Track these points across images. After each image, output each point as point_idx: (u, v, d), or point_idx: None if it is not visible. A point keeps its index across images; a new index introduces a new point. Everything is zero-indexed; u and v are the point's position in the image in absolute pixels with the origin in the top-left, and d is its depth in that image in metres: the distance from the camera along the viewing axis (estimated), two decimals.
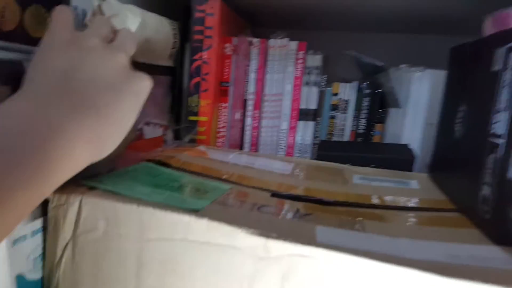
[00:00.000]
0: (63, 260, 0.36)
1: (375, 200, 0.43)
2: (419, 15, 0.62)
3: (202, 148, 0.59)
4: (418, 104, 0.60)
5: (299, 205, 0.40)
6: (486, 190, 0.36)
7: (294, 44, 0.62)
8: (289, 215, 0.37)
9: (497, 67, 0.37)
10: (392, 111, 0.64)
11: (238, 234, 0.31)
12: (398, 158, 0.54)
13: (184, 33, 0.63)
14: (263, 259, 0.30)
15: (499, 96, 0.35)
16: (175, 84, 0.65)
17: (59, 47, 0.33)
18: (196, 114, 0.64)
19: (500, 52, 0.36)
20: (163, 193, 0.37)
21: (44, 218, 0.36)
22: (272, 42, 0.63)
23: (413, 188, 0.48)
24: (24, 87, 0.30)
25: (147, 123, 0.58)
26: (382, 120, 0.66)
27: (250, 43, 0.64)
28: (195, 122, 0.65)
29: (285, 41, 0.62)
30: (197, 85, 0.64)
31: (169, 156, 0.51)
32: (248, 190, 0.44)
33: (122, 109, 0.33)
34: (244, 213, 0.35)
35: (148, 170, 0.45)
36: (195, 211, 0.33)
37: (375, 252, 0.29)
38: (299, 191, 0.44)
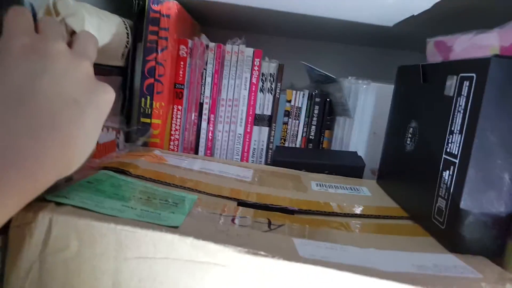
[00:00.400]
0: (28, 281, 0.33)
1: (335, 208, 0.45)
2: (367, 30, 0.66)
3: (158, 152, 0.57)
4: (364, 114, 0.64)
5: (269, 215, 0.41)
6: (441, 203, 0.40)
7: (250, 51, 0.62)
8: (264, 227, 0.37)
9: (450, 92, 0.40)
10: (340, 119, 0.67)
11: (225, 252, 0.31)
12: (349, 165, 0.57)
13: (137, 32, 0.60)
14: (252, 276, 0.30)
15: (454, 120, 0.39)
16: (126, 85, 0.62)
17: (17, 54, 0.29)
18: (149, 116, 0.62)
19: (453, 79, 0.40)
20: (135, 208, 0.36)
21: (3, 237, 0.33)
22: (228, 47, 0.62)
23: (365, 195, 0.52)
24: None
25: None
26: (330, 127, 0.69)
27: (206, 47, 0.63)
28: (148, 124, 0.62)
29: (241, 47, 0.62)
30: (151, 86, 0.61)
31: (126, 163, 0.48)
32: (215, 200, 0.44)
33: (87, 125, 0.32)
34: (222, 227, 0.35)
35: (110, 180, 0.42)
36: (175, 228, 0.33)
37: (354, 266, 0.31)
38: (264, 199, 0.45)
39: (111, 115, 0.60)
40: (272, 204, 0.44)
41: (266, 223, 0.39)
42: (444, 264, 0.34)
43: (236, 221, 0.38)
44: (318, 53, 0.85)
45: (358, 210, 0.46)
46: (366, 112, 0.64)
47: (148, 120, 0.62)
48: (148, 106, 0.62)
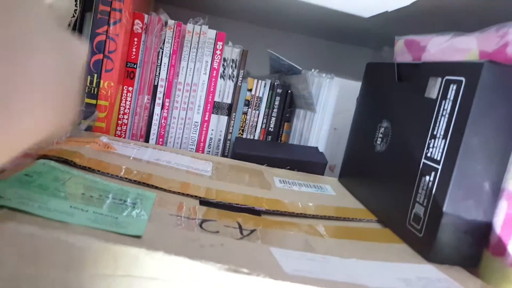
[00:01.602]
0: None
1: (302, 209, 0.41)
2: (335, 25, 0.62)
3: (105, 139, 0.49)
4: (325, 109, 0.60)
5: (237, 216, 0.36)
6: (418, 209, 0.37)
7: (212, 33, 0.55)
8: (237, 234, 0.32)
9: (432, 94, 0.37)
10: (300, 112, 0.63)
11: (203, 269, 0.25)
12: (312, 162, 0.53)
13: (87, 1, 0.51)
14: None
15: (437, 124, 0.36)
16: None
17: None
18: (95, 96, 0.53)
19: (437, 81, 0.37)
20: (86, 210, 0.29)
21: None
22: (189, 27, 0.55)
23: (330, 194, 0.48)
24: None
25: None
26: (289, 120, 0.64)
27: (165, 24, 0.55)
28: (93, 105, 0.53)
29: (204, 28, 0.55)
30: (99, 63, 0.52)
31: (69, 151, 0.40)
32: (174, 198, 0.37)
33: None
34: (191, 235, 0.29)
35: (52, 173, 0.34)
36: (138, 238, 0.26)
37: (343, 283, 0.27)
38: (227, 197, 0.40)
39: None
40: (238, 204, 0.39)
41: (237, 228, 0.33)
42: (428, 276, 0.31)
43: (205, 226, 0.32)
44: (282, 43, 0.80)
45: (325, 212, 0.42)
46: (327, 107, 0.60)
47: (93, 101, 0.53)
48: (94, 85, 0.53)
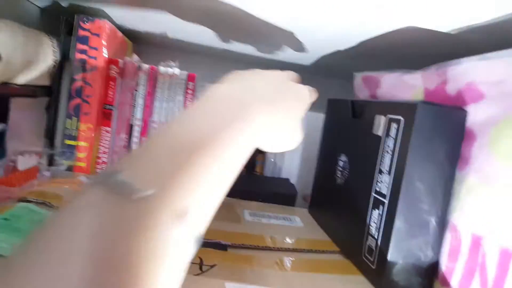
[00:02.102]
0: None
1: (269, 242, 0.43)
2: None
3: (84, 179, 0.51)
4: None
5: (202, 252, 0.38)
6: (371, 241, 0.38)
7: (184, 74, 0.58)
8: (196, 269, 0.34)
9: (378, 131, 0.40)
10: None
11: None
12: (282, 193, 0.55)
13: (64, 50, 0.54)
14: None
15: (382, 159, 0.38)
16: (51, 105, 0.55)
17: None
18: (74, 138, 0.56)
19: (381, 119, 0.39)
20: None
21: None
22: (162, 69, 0.58)
23: (298, 225, 0.50)
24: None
25: (22, 153, 0.48)
26: (262, 151, 0.66)
27: (139, 68, 0.58)
28: (73, 147, 0.56)
29: (175, 70, 0.58)
30: (77, 107, 0.55)
31: (47, 193, 0.42)
32: None
33: None
34: None
35: (29, 216, 0.36)
36: None
37: None
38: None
39: (33, 138, 0.53)
40: (206, 239, 0.41)
41: (197, 264, 0.35)
42: None
43: None
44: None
45: (290, 245, 0.44)
46: None
47: (73, 143, 0.56)
48: (74, 127, 0.55)
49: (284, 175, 0.63)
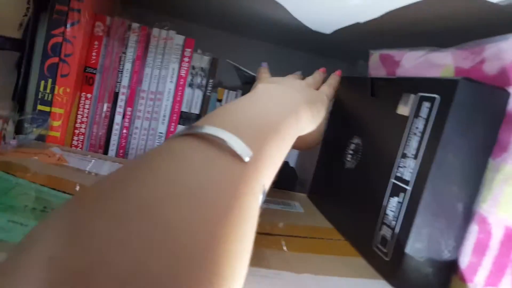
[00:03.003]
0: None
1: (267, 228, 0.38)
2: (308, 37, 0.60)
3: (56, 150, 0.45)
4: None
5: None
6: (385, 231, 0.34)
7: (180, 39, 0.52)
8: None
9: (404, 111, 0.35)
10: None
11: None
12: (282, 177, 0.51)
13: None
14: None
15: (408, 142, 0.34)
16: (21, 63, 0.47)
17: None
18: (48, 103, 0.49)
19: (410, 98, 0.35)
20: (26, 225, 0.25)
21: None
22: (155, 31, 0.51)
23: (298, 211, 0.45)
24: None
25: None
26: None
27: (129, 28, 0.51)
28: (47, 113, 0.49)
29: (171, 33, 0.51)
30: (54, 67, 0.48)
31: (12, 164, 0.36)
32: None
33: None
34: None
35: None
36: None
37: None
38: None
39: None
40: None
41: None
42: None
43: None
44: (256, 53, 0.77)
45: (291, 231, 0.39)
46: None
47: (47, 109, 0.49)
48: (48, 91, 0.48)
49: None
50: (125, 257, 0.13)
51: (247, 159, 0.21)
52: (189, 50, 0.52)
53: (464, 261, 0.33)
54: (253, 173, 0.22)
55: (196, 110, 0.55)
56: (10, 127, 0.47)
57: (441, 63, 0.39)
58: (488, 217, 0.32)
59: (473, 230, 0.33)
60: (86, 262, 0.13)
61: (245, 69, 0.55)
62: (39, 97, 0.48)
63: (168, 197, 0.16)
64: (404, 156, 0.34)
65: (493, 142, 0.32)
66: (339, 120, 0.48)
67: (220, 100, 0.57)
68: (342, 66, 0.79)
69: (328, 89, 0.45)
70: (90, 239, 0.14)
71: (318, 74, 0.47)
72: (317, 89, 0.45)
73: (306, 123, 0.35)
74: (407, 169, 0.33)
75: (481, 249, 0.32)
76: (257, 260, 0.31)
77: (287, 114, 0.30)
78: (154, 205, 0.16)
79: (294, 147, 0.34)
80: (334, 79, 0.48)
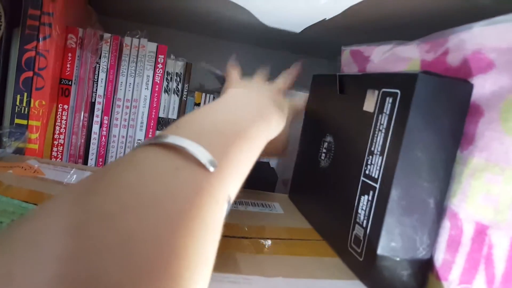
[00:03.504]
0: None
1: (245, 232, 0.38)
2: (276, 34, 0.59)
3: (33, 162, 0.44)
4: None
5: None
6: (358, 231, 0.34)
7: (153, 46, 0.52)
8: None
9: (369, 108, 0.35)
10: None
11: None
12: (262, 178, 0.50)
13: (14, 16, 0.47)
14: None
15: (374, 139, 0.33)
16: None
17: None
18: (25, 116, 0.49)
19: (374, 94, 0.34)
20: None
21: None
22: (127, 40, 0.51)
23: (278, 212, 0.45)
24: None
25: None
26: None
27: (101, 38, 0.51)
28: (24, 126, 0.49)
29: (143, 41, 0.51)
30: (28, 81, 0.48)
31: None
32: None
33: None
34: None
35: None
36: None
37: None
38: None
39: None
40: None
41: None
42: None
43: None
44: (229, 54, 0.76)
45: (269, 234, 0.39)
46: None
47: (24, 122, 0.49)
48: (24, 104, 0.48)
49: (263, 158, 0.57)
50: (83, 267, 0.13)
51: (211, 169, 0.21)
52: (162, 56, 0.52)
53: (439, 258, 0.32)
54: (218, 182, 0.22)
55: (173, 115, 0.54)
56: None
57: (407, 56, 0.38)
58: (459, 213, 0.31)
59: (446, 226, 0.32)
60: (44, 276, 0.13)
61: (218, 71, 0.55)
62: (16, 111, 0.48)
63: (129, 207, 0.16)
64: (371, 153, 0.33)
65: (460, 135, 0.31)
66: (314, 119, 0.47)
67: (198, 104, 0.56)
68: (323, 63, 0.79)
69: (283, 81, 0.46)
70: (48, 252, 0.14)
71: (286, 74, 0.48)
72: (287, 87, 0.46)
73: (275, 126, 0.35)
74: (375, 166, 0.33)
75: (454, 245, 0.31)
76: (227, 265, 0.31)
77: (256, 119, 0.30)
78: (116, 214, 0.16)
79: (263, 154, 0.34)
80: (292, 69, 0.48)
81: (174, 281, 0.16)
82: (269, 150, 0.36)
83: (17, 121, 0.48)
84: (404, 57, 0.38)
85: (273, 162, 0.57)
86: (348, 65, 0.47)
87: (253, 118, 0.30)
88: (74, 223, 0.15)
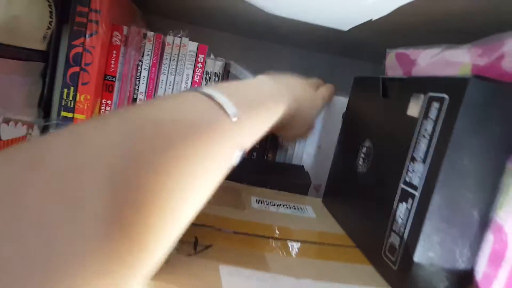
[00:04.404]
0: None
1: (276, 234, 0.37)
2: (328, 38, 0.58)
3: None
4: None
5: (197, 231, 0.33)
6: (394, 239, 0.32)
7: (194, 46, 0.52)
8: (190, 249, 0.30)
9: (414, 112, 0.33)
10: None
11: None
12: (295, 182, 0.49)
13: (63, 13, 0.48)
14: None
15: (417, 145, 0.31)
16: (46, 72, 0.49)
17: None
18: (71, 110, 0.50)
19: (419, 98, 0.32)
20: None
21: None
22: (169, 39, 0.52)
23: (309, 216, 0.43)
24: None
25: (6, 121, 0.42)
26: (275, 138, 0.60)
27: (144, 36, 0.51)
28: (70, 119, 0.50)
29: (184, 40, 0.52)
30: (75, 76, 0.49)
31: None
32: None
33: None
34: None
35: None
36: None
37: None
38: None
39: (25, 106, 0.48)
40: (204, 225, 0.35)
41: (192, 243, 0.31)
42: None
43: None
44: (273, 56, 0.76)
45: (299, 236, 0.37)
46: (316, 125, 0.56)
47: (70, 115, 0.50)
48: (71, 98, 0.50)
49: (296, 162, 0.56)
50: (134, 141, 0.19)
51: (234, 119, 0.25)
52: (202, 56, 0.52)
53: (479, 271, 0.30)
54: (236, 130, 0.26)
55: None
56: (35, 133, 0.48)
57: (457, 61, 0.36)
58: (504, 226, 0.29)
59: (489, 239, 0.29)
60: (112, 139, 0.18)
61: (247, 73, 0.55)
62: (63, 104, 0.50)
63: (155, 121, 0.20)
64: (413, 160, 0.32)
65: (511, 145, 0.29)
66: (353, 123, 0.46)
67: None
68: (367, 67, 0.76)
69: (325, 90, 0.48)
70: (112, 131, 0.19)
71: (317, 79, 0.50)
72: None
73: (293, 115, 0.39)
74: (416, 173, 0.31)
75: (497, 260, 0.29)
76: (255, 263, 0.30)
77: (275, 101, 0.35)
78: (145, 125, 0.20)
79: (281, 132, 0.42)
80: (331, 86, 0.51)
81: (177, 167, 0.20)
82: (287, 132, 0.42)
83: (63, 113, 0.50)
84: (454, 61, 0.36)
85: (306, 167, 0.56)
86: (393, 68, 0.45)
87: (274, 96, 0.35)
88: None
